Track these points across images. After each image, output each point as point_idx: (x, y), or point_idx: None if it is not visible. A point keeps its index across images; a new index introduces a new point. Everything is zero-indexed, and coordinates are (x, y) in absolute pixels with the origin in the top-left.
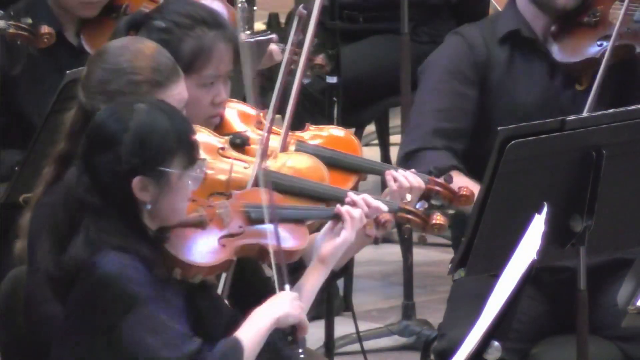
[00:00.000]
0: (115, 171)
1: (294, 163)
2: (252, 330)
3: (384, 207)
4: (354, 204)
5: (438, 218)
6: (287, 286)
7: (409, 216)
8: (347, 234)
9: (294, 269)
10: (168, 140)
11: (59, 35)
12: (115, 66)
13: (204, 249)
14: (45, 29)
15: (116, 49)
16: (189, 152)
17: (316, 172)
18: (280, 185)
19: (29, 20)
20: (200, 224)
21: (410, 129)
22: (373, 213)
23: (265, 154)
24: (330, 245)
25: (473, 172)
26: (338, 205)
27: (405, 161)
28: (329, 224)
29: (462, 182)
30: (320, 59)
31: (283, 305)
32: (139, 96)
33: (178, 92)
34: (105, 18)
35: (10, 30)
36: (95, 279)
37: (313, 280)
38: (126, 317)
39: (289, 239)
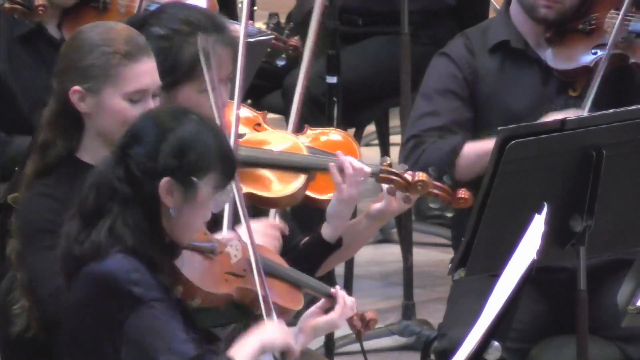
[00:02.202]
0: (148, 166)
1: (271, 139)
2: (243, 351)
3: (368, 169)
4: (341, 163)
5: (420, 175)
6: (273, 316)
7: (392, 176)
8: (334, 317)
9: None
10: (209, 155)
11: (40, 29)
12: (86, 42)
13: (209, 276)
14: (39, 1)
15: (87, 28)
16: (224, 175)
17: (292, 144)
18: (261, 159)
19: None
20: (209, 252)
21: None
22: (357, 174)
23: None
24: (315, 321)
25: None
26: (337, 287)
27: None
28: (322, 302)
29: (479, 146)
30: (294, 40)
31: (268, 332)
32: (110, 68)
33: (149, 69)
34: (86, 8)
35: (6, 5)
36: (100, 277)
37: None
38: (130, 316)
39: (283, 297)
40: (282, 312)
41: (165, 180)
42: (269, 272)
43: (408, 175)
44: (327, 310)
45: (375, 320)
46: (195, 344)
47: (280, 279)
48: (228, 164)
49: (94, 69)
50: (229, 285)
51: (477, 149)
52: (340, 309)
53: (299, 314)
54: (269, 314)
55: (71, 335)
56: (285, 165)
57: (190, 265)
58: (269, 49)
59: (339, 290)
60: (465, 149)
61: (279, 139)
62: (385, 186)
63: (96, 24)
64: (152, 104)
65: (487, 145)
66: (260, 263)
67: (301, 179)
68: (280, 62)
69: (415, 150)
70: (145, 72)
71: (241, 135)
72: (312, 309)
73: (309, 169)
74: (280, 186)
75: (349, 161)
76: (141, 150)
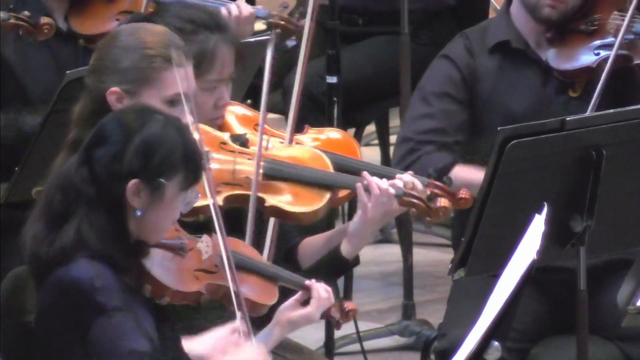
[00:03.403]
0: (114, 169)
1: (298, 154)
2: None
3: (392, 191)
4: (367, 184)
5: (443, 201)
6: (253, 339)
7: (414, 200)
8: (310, 310)
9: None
10: (175, 156)
11: None
12: (128, 43)
13: (178, 274)
14: (44, 19)
15: (128, 29)
16: (191, 175)
17: (319, 161)
18: (287, 173)
19: (27, 13)
20: (178, 250)
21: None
22: (383, 195)
23: (260, 147)
24: (291, 314)
25: None
26: (313, 281)
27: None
28: (298, 294)
29: (466, 174)
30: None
31: (247, 355)
32: (153, 72)
33: (190, 75)
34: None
35: (10, 21)
36: (65, 284)
37: (269, 340)
38: (92, 325)
39: (256, 292)
40: (254, 307)
41: (132, 183)
42: (242, 266)
43: (431, 202)
44: (304, 302)
45: (354, 310)
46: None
47: (254, 273)
48: (194, 163)
49: (135, 71)
50: (199, 283)
51: (466, 176)
52: (316, 302)
53: (275, 306)
54: (240, 310)
55: (41, 340)
56: (312, 182)
57: (159, 263)
58: (278, 30)
59: (314, 283)
60: (455, 171)
61: (307, 154)
62: (360, 193)
63: (136, 25)
64: (186, 109)
65: (476, 175)
66: (232, 258)
67: (326, 197)
68: (291, 43)
69: (409, 155)
70: (186, 77)
71: (242, 135)
72: (289, 302)
73: (334, 187)
74: (305, 202)
75: (375, 182)
76: (106, 152)
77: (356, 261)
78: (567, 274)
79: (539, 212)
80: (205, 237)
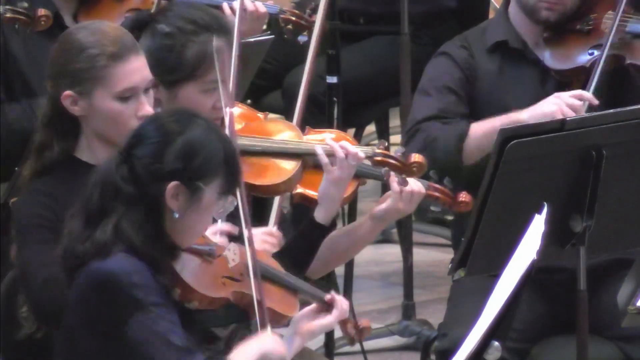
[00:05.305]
0: (154, 168)
1: (268, 127)
2: (242, 357)
3: (362, 154)
4: (331, 149)
5: (416, 157)
6: (266, 322)
7: (387, 159)
8: (332, 321)
9: None
10: (215, 160)
11: (56, 19)
12: (73, 45)
13: (207, 279)
14: (41, 11)
15: (74, 30)
16: (230, 181)
17: (290, 131)
18: (255, 145)
19: (25, 4)
20: (207, 256)
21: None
22: (352, 159)
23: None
24: (310, 325)
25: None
26: (333, 293)
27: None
28: (315, 306)
29: (484, 126)
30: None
31: (268, 343)
32: (98, 70)
33: (138, 67)
34: None
35: (7, 15)
36: (101, 278)
37: (290, 349)
38: (130, 320)
39: (279, 303)
40: (277, 318)
41: (172, 185)
42: (267, 277)
43: (404, 157)
44: (320, 312)
45: (369, 328)
46: (196, 346)
47: (278, 284)
48: (233, 170)
49: (83, 72)
50: (226, 289)
51: (483, 128)
52: (338, 313)
53: None
54: (262, 319)
55: (68, 332)
56: (276, 152)
57: (188, 268)
58: (290, 26)
59: (335, 295)
60: (472, 130)
61: (274, 127)
62: (394, 184)
63: (84, 25)
64: (144, 99)
65: (492, 123)
66: (258, 268)
67: (294, 164)
68: (303, 38)
69: (415, 136)
70: (134, 70)
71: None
72: (305, 311)
73: (300, 155)
74: (274, 173)
75: (340, 145)
76: (147, 151)
77: (333, 226)
78: (567, 274)
79: (539, 212)
80: (232, 245)
